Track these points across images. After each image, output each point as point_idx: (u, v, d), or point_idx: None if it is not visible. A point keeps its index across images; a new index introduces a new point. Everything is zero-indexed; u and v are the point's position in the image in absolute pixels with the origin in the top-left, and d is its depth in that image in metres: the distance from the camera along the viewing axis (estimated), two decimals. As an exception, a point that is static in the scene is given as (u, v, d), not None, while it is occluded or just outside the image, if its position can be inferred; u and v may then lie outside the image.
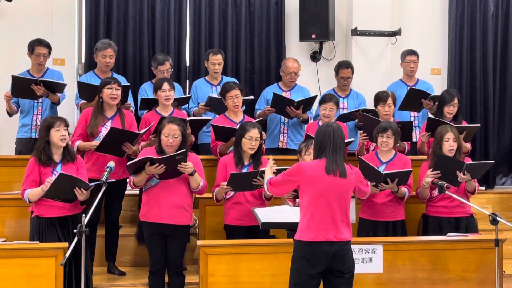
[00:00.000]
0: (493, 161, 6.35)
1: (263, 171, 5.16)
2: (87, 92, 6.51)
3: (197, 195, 5.60)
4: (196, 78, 7.71)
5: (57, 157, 5.28)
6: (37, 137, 6.49)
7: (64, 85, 6.58)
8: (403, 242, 5.53)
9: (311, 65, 8.27)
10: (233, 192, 5.58)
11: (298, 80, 7.37)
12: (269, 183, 4.58)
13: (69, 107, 7.31)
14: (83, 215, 4.68)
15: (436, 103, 6.82)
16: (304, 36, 8.10)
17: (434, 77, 8.27)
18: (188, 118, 6.32)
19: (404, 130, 6.13)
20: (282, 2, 8.18)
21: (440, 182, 5.64)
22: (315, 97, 7.02)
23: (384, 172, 5.63)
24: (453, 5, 8.36)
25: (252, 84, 8.08)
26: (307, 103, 6.93)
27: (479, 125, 7.05)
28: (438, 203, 5.88)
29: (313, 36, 8.06)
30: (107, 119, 5.86)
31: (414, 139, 6.97)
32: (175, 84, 6.89)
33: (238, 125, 5.93)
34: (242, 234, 5.50)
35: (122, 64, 7.71)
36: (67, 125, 5.30)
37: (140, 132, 5.81)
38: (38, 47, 6.67)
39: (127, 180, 5.67)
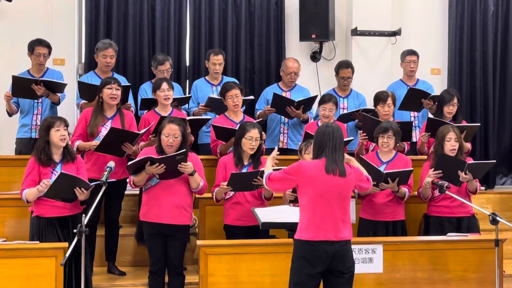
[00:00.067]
0: (494, 161, 6.35)
1: (263, 171, 5.16)
2: (87, 92, 6.51)
3: (197, 195, 5.60)
4: (196, 78, 7.71)
5: (57, 157, 5.28)
6: (37, 137, 6.48)
7: (64, 85, 6.58)
8: (403, 242, 5.53)
9: (311, 65, 8.27)
10: (232, 192, 5.58)
11: (298, 80, 7.37)
12: (268, 178, 4.58)
13: (69, 107, 7.32)
14: (83, 215, 4.68)
15: (436, 103, 6.82)
16: (304, 36, 8.10)
17: (434, 77, 8.27)
18: (188, 118, 6.32)
19: (403, 130, 6.13)
20: (282, 2, 8.18)
21: (440, 182, 5.65)
22: (315, 97, 7.02)
23: (385, 172, 5.63)
24: (453, 5, 8.36)
25: (252, 84, 8.08)
26: (307, 103, 6.93)
27: (479, 124, 7.05)
28: (440, 203, 5.88)
29: (313, 36, 8.06)
30: (107, 119, 5.86)
31: (414, 139, 6.97)
32: (175, 84, 6.90)
33: (238, 125, 5.93)
34: (242, 234, 5.50)
35: (122, 64, 7.71)
36: (67, 125, 5.30)
37: (140, 132, 5.80)
38: (38, 47, 6.68)
39: (127, 180, 5.67)
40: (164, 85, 6.22)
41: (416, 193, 6.04)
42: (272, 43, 8.13)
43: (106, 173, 5.12)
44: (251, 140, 5.56)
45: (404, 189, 5.80)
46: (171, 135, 5.27)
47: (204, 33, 7.97)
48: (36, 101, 6.68)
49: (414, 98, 6.98)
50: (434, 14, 8.53)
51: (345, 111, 7.22)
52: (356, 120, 7.13)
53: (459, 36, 8.37)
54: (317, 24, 8.01)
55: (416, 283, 5.36)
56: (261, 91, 7.54)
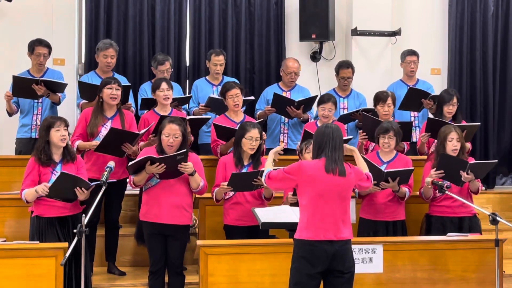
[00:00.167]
0: (496, 161, 6.34)
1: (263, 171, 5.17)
2: (87, 92, 6.51)
3: (197, 195, 5.60)
4: (196, 78, 7.71)
5: (57, 157, 5.28)
6: (37, 137, 6.48)
7: (65, 85, 6.58)
8: (403, 242, 5.53)
9: (311, 65, 8.27)
10: (232, 192, 5.58)
11: (298, 80, 7.38)
12: (267, 176, 4.58)
13: (69, 107, 7.32)
14: (83, 215, 4.68)
15: (436, 103, 6.81)
16: (304, 36, 8.10)
17: (434, 77, 8.27)
18: (188, 117, 6.32)
19: (403, 130, 6.13)
20: (282, 2, 8.18)
21: (440, 182, 5.65)
22: (315, 97, 7.02)
23: (385, 171, 5.63)
24: (453, 5, 8.36)
25: (252, 84, 8.08)
26: (308, 103, 6.93)
27: (479, 124, 7.05)
28: (442, 203, 5.88)
29: (313, 36, 8.06)
30: (107, 119, 5.86)
31: (414, 139, 6.97)
32: (175, 84, 6.90)
33: (239, 125, 5.93)
34: (242, 234, 5.50)
35: (122, 64, 7.71)
36: (67, 125, 5.30)
37: (140, 133, 5.80)
38: (38, 47, 6.68)
39: (127, 180, 5.67)
40: (164, 85, 6.22)
41: (417, 193, 6.04)
42: (272, 43, 8.13)
43: (106, 173, 5.12)
44: (251, 140, 5.56)
45: (405, 189, 5.80)
46: (172, 135, 5.27)
47: (204, 33, 7.97)
48: (36, 101, 6.68)
49: (414, 98, 6.98)
50: (434, 14, 8.53)
51: (345, 111, 7.22)
52: (357, 120, 7.13)
53: (459, 36, 8.37)
54: (317, 24, 8.01)
55: (416, 283, 5.36)
56: (261, 91, 7.54)
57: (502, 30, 8.47)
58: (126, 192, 6.18)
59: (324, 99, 6.57)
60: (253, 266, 5.15)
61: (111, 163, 5.26)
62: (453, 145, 5.83)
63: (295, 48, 8.22)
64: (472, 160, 5.89)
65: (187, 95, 7.22)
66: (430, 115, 6.95)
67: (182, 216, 5.32)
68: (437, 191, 5.83)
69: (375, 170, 5.59)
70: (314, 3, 8.01)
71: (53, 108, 6.79)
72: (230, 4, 8.04)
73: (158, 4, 7.86)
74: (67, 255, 4.56)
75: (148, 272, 5.40)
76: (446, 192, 5.62)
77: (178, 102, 6.64)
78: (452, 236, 5.55)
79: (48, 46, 6.74)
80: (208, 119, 6.58)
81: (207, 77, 7.35)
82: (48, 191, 5.04)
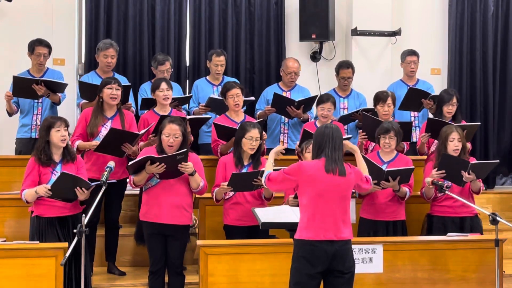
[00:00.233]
0: (498, 161, 6.33)
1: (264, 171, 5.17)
2: (88, 92, 6.51)
3: (197, 195, 5.60)
4: (196, 78, 7.71)
5: (57, 157, 5.28)
6: (37, 137, 6.48)
7: (65, 85, 6.58)
8: (403, 242, 5.53)
9: (311, 65, 8.27)
10: (232, 192, 5.58)
11: (298, 80, 7.38)
12: (267, 178, 4.59)
13: (69, 107, 7.32)
14: (83, 215, 4.69)
15: (435, 103, 6.81)
16: (304, 36, 8.10)
17: (434, 77, 8.27)
18: (188, 117, 6.32)
19: (403, 130, 6.13)
20: (282, 2, 8.18)
21: (440, 182, 5.66)
22: (315, 97, 7.00)
23: (386, 169, 5.64)
24: (453, 5, 8.36)
25: (252, 84, 8.08)
26: (308, 103, 6.93)
27: (479, 123, 7.05)
28: (443, 202, 5.88)
29: (313, 36, 8.06)
30: (107, 119, 5.86)
31: (414, 139, 6.97)
32: (175, 84, 6.90)
33: (239, 125, 5.92)
34: (242, 234, 5.50)
35: (122, 64, 7.71)
36: (67, 125, 5.30)
37: (140, 133, 5.80)
38: (38, 47, 6.68)
39: (127, 180, 5.67)
40: (163, 85, 6.22)
41: (418, 193, 6.05)
42: (272, 43, 8.13)
43: (106, 173, 5.12)
44: (251, 140, 5.56)
45: (405, 188, 5.80)
46: (172, 135, 5.27)
47: (204, 33, 7.97)
48: (36, 101, 6.68)
49: (414, 98, 6.98)
50: (434, 14, 8.53)
51: (346, 111, 7.22)
52: (357, 120, 7.13)
53: (459, 36, 8.37)
54: (317, 24, 8.01)
55: (416, 283, 5.36)
56: (261, 91, 7.54)
57: (502, 30, 8.47)
58: (126, 192, 6.18)
59: (323, 99, 6.57)
60: (253, 266, 5.15)
61: (111, 163, 5.26)
62: (454, 145, 5.83)
63: (295, 48, 8.21)
64: (473, 160, 5.89)
65: (187, 95, 7.22)
66: (430, 115, 6.95)
67: (182, 216, 5.32)
68: (437, 191, 5.84)
69: (376, 169, 5.60)
70: (314, 3, 8.01)
71: (53, 108, 6.79)
72: (230, 4, 8.04)
73: (158, 4, 7.85)
74: (67, 255, 4.56)
75: (148, 272, 5.40)
76: (446, 192, 5.62)
77: (178, 102, 6.64)
78: (452, 236, 5.56)
79: (48, 46, 6.74)
80: (208, 118, 6.58)
81: (207, 77, 7.35)
82: (50, 193, 5.04)
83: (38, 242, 5.10)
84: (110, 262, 6.07)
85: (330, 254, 4.32)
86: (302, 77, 7.58)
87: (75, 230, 4.58)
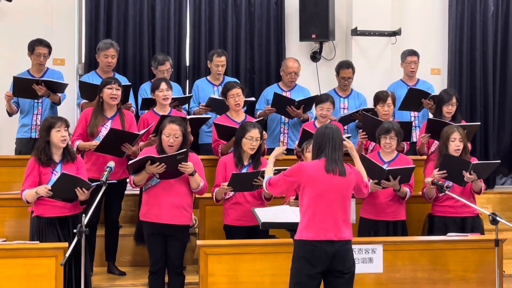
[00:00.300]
0: (499, 161, 6.32)
1: (264, 172, 5.17)
2: (88, 91, 6.51)
3: (197, 195, 5.60)
4: (196, 78, 7.71)
5: (57, 157, 5.28)
6: (37, 137, 6.49)
7: (65, 85, 6.58)
8: (403, 242, 5.53)
9: (311, 65, 8.26)
10: (232, 192, 5.58)
11: (298, 80, 7.38)
12: (268, 183, 4.59)
13: (69, 107, 7.32)
14: (83, 215, 4.68)
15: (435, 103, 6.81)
16: (304, 36, 8.10)
17: (434, 77, 8.27)
18: (189, 117, 6.32)
19: (403, 130, 6.13)
20: (282, 2, 8.18)
21: (440, 182, 5.66)
22: (315, 96, 7.01)
23: (387, 168, 5.64)
24: (453, 5, 8.36)
25: (252, 84, 8.08)
26: (308, 102, 6.93)
27: (479, 123, 7.06)
28: (444, 202, 5.88)
29: (313, 36, 8.05)
30: (107, 119, 5.86)
31: (414, 139, 6.97)
32: (175, 84, 6.90)
33: (239, 125, 5.92)
34: (242, 234, 5.50)
35: (122, 64, 7.70)
36: (67, 126, 5.30)
37: (140, 133, 5.80)
38: (38, 47, 6.67)
39: (127, 180, 5.67)
40: (163, 85, 6.22)
41: (419, 193, 6.05)
42: (272, 43, 8.13)
43: (106, 173, 5.12)
44: (251, 140, 5.56)
45: (406, 188, 5.80)
46: (172, 135, 5.27)
47: (204, 33, 7.97)
48: (36, 101, 6.68)
49: (414, 98, 6.97)
50: (434, 14, 8.53)
51: (346, 111, 7.22)
52: (357, 121, 7.13)
53: (459, 36, 8.37)
54: (317, 24, 8.01)
55: (416, 283, 5.36)
56: (261, 91, 7.54)
57: (502, 30, 8.46)
58: (126, 192, 6.18)
59: (322, 98, 6.57)
60: (253, 266, 5.15)
61: (111, 163, 5.26)
62: (455, 145, 5.83)
63: (295, 48, 8.21)
64: (475, 160, 5.89)
65: (187, 95, 7.22)
66: (430, 115, 6.95)
67: (182, 216, 5.32)
68: (438, 191, 5.84)
69: (377, 168, 5.61)
70: (314, 3, 8.01)
71: (53, 108, 6.79)
72: (230, 4, 8.04)
73: (158, 4, 7.85)
74: (67, 255, 4.56)
75: (148, 272, 5.40)
76: (447, 192, 5.62)
77: (178, 102, 6.64)
78: (452, 236, 5.56)
79: (48, 46, 6.74)
80: (208, 118, 6.58)
81: (208, 77, 7.35)
82: (51, 193, 5.04)
83: (38, 242, 5.10)
84: (110, 262, 6.07)
85: (330, 254, 4.32)
86: (302, 77, 7.59)
87: (75, 230, 4.58)
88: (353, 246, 4.52)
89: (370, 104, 7.05)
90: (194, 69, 7.94)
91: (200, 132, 7.00)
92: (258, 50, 8.12)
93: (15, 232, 5.82)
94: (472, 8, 8.38)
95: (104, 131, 5.75)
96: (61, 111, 6.84)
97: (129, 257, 6.33)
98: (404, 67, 7.52)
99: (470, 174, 5.67)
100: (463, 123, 6.60)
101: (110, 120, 5.86)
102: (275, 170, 4.89)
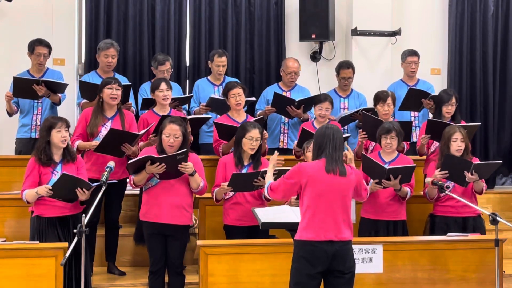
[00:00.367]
0: (500, 161, 6.32)
1: (264, 172, 5.17)
2: (88, 91, 6.51)
3: (197, 195, 5.60)
4: (196, 78, 7.71)
5: (57, 157, 5.28)
6: (37, 137, 6.50)
7: (65, 85, 6.58)
8: (403, 242, 5.53)
9: (311, 65, 8.26)
10: (232, 192, 5.58)
11: (298, 80, 7.38)
12: (269, 189, 4.58)
13: (69, 107, 7.31)
14: (83, 215, 4.68)
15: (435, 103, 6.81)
16: (304, 36, 8.10)
17: (434, 77, 8.27)
18: (189, 117, 6.32)
19: (403, 130, 6.13)
20: (282, 2, 8.18)
21: (440, 182, 5.65)
22: (315, 96, 7.01)
23: (388, 168, 5.64)
24: (453, 5, 8.36)
25: (252, 84, 8.08)
26: (308, 102, 6.93)
27: (479, 123, 7.05)
28: (446, 203, 5.88)
29: (313, 36, 8.05)
30: (107, 119, 5.86)
31: (414, 139, 6.97)
32: (175, 84, 6.90)
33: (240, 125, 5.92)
34: (242, 234, 5.50)
35: (122, 64, 7.70)
36: (68, 126, 5.30)
37: (140, 133, 5.80)
38: (38, 46, 6.68)
39: (127, 180, 5.67)
40: (163, 85, 6.22)
41: (421, 193, 6.05)
42: (272, 43, 8.13)
43: (106, 173, 5.11)
44: (251, 140, 5.57)
45: (406, 188, 5.81)
46: (172, 135, 5.27)
47: (204, 33, 7.96)
48: (36, 101, 6.67)
49: (414, 98, 6.97)
50: (434, 14, 8.53)
51: (346, 111, 7.22)
52: (357, 120, 7.13)
53: (459, 36, 8.37)
54: (317, 24, 8.01)
55: (416, 283, 5.36)
56: (261, 91, 7.55)
57: (502, 30, 8.47)
58: (126, 192, 6.18)
59: (321, 98, 6.58)
60: (253, 266, 5.15)
61: (111, 163, 5.26)
62: (457, 145, 5.83)
63: (295, 48, 8.21)
64: (476, 161, 5.89)
65: (188, 95, 7.22)
66: (431, 115, 6.95)
67: (182, 216, 5.32)
68: (438, 191, 5.84)
69: (377, 168, 5.61)
70: (314, 3, 8.01)
71: (53, 108, 6.79)
72: (230, 4, 8.04)
73: (158, 4, 7.85)
74: (67, 255, 4.56)
75: (148, 272, 5.40)
76: (447, 192, 5.62)
77: (178, 102, 6.64)
78: (452, 236, 5.56)
79: (48, 46, 6.74)
80: (209, 118, 6.58)
81: (208, 77, 7.35)
82: (51, 193, 5.04)
83: (38, 242, 5.10)
84: (110, 262, 6.07)
85: (330, 254, 4.32)
86: (302, 77, 7.59)
87: (75, 230, 4.58)
88: (353, 246, 4.52)
89: (370, 104, 7.05)
90: (194, 69, 7.94)
91: (201, 132, 7.00)
92: (258, 50, 8.12)
93: (15, 232, 5.82)
94: (472, 8, 8.38)
95: (104, 131, 5.75)
96: (61, 111, 6.84)
97: (129, 257, 6.33)
98: (404, 67, 7.52)
99: (471, 174, 5.67)
100: (463, 123, 6.60)
101: (110, 120, 5.86)
102: (275, 171, 4.89)
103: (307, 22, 8.04)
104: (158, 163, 5.16)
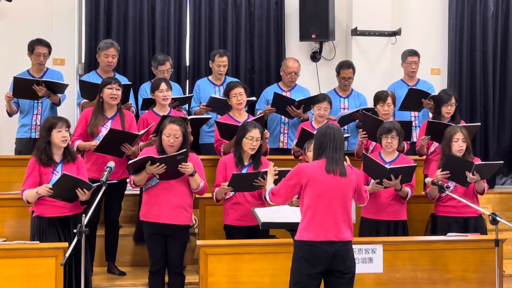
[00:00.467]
0: (502, 162, 6.31)
1: (265, 172, 5.18)
2: (88, 91, 6.51)
3: (197, 195, 5.59)
4: (196, 78, 7.71)
5: (57, 157, 5.27)
6: (36, 137, 6.50)
7: (65, 86, 6.58)
8: (403, 242, 5.53)
9: (311, 65, 8.26)
10: (232, 192, 5.58)
11: (298, 80, 7.38)
12: (271, 193, 4.57)
13: (69, 107, 7.31)
14: (83, 215, 4.68)
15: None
16: (304, 36, 8.10)
17: (434, 77, 8.27)
18: (189, 117, 6.33)
19: (403, 130, 6.13)
20: (282, 2, 8.18)
21: (440, 183, 5.65)
22: (315, 96, 7.01)
23: (389, 167, 5.63)
24: (453, 5, 8.36)
25: (252, 84, 8.07)
26: (308, 102, 6.93)
27: (479, 124, 7.05)
28: (447, 203, 5.87)
29: (313, 36, 8.05)
30: (107, 119, 5.86)
31: (414, 139, 6.97)
32: (174, 84, 6.90)
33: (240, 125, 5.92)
34: (242, 234, 5.50)
35: (122, 64, 7.70)
36: (68, 126, 5.30)
37: (140, 133, 5.80)
38: (38, 46, 6.67)
39: (127, 180, 5.67)
40: (163, 86, 6.22)
41: (423, 193, 6.04)
42: (272, 43, 8.13)
43: (106, 173, 5.11)
44: (251, 140, 5.57)
45: (407, 188, 5.81)
46: (172, 135, 5.27)
47: (204, 33, 7.96)
48: (36, 101, 6.67)
49: (414, 98, 6.97)
50: (434, 14, 8.53)
51: (346, 111, 7.21)
52: (357, 120, 7.13)
53: (459, 36, 8.37)
54: (317, 24, 8.01)
55: (416, 283, 5.36)
56: (261, 91, 7.54)
57: (502, 30, 8.47)
58: (126, 192, 6.17)
59: (320, 98, 6.59)
60: (253, 266, 5.15)
61: (111, 163, 5.26)
62: (458, 145, 5.83)
63: (295, 48, 8.21)
64: (478, 161, 5.88)
65: (188, 95, 7.22)
66: (431, 115, 6.95)
67: (182, 216, 5.32)
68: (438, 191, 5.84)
69: (378, 167, 5.61)
70: (314, 3, 8.01)
71: (53, 108, 6.79)
72: (230, 4, 8.04)
73: (158, 4, 7.85)
74: (67, 255, 4.55)
75: (148, 272, 5.40)
76: (447, 192, 5.62)
77: (178, 102, 6.64)
78: (452, 236, 5.56)
79: (48, 45, 6.74)
80: (209, 118, 6.58)
81: (209, 77, 7.35)
82: (52, 192, 5.04)
83: (38, 242, 5.09)
84: (110, 262, 6.07)
85: (330, 255, 4.32)
86: (302, 77, 7.59)
87: (75, 230, 4.58)
88: (353, 246, 4.51)
89: (370, 104, 7.05)
90: (194, 69, 7.94)
91: (201, 132, 7.00)
92: (258, 50, 8.12)
93: (15, 232, 5.82)
94: (472, 8, 8.38)
95: (104, 131, 5.74)
96: (61, 111, 6.83)
97: (129, 257, 6.32)
98: (404, 67, 7.52)
99: (473, 174, 5.67)
100: (462, 123, 6.60)
101: (110, 120, 5.86)
102: (275, 171, 4.90)
103: (307, 22, 8.04)
104: (158, 164, 5.16)
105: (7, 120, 6.99)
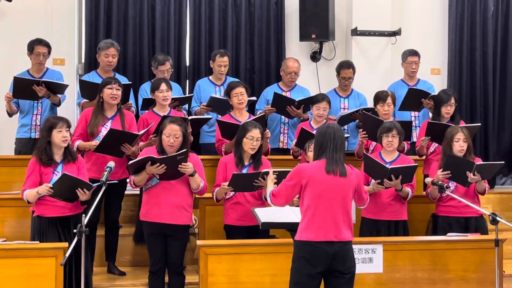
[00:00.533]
0: (503, 162, 6.31)
1: (265, 172, 5.18)
2: (88, 90, 6.50)
3: (197, 195, 5.60)
4: (196, 78, 7.71)
5: (58, 157, 5.27)
6: (36, 137, 6.51)
7: (65, 86, 6.57)
8: (403, 242, 5.53)
9: (311, 65, 8.26)
10: (233, 192, 5.58)
11: (298, 80, 7.38)
12: (271, 195, 4.57)
13: (69, 107, 7.31)
14: (83, 215, 4.68)
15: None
16: (304, 36, 8.10)
17: (434, 77, 8.27)
18: (190, 117, 6.33)
19: (403, 130, 6.13)
20: (282, 2, 8.18)
21: (440, 183, 5.65)
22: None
23: (390, 167, 5.63)
24: (453, 5, 8.36)
25: (252, 84, 8.07)
26: (308, 102, 6.93)
27: (479, 124, 7.05)
28: (448, 203, 5.87)
29: (313, 36, 8.05)
30: (107, 119, 5.86)
31: (414, 139, 6.97)
32: (174, 84, 6.90)
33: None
34: (242, 234, 5.50)
35: (122, 64, 7.70)
36: (69, 126, 5.30)
37: (140, 133, 5.80)
38: (38, 46, 6.67)
39: (127, 180, 5.67)
40: (163, 86, 6.22)
41: (424, 193, 6.04)
42: (272, 43, 8.13)
43: (106, 173, 5.11)
44: (252, 140, 5.57)
45: (407, 188, 5.81)
46: (172, 135, 5.27)
47: (204, 33, 7.96)
48: (36, 101, 6.67)
49: (414, 98, 6.97)
50: (434, 14, 8.53)
51: (346, 111, 7.21)
52: (357, 120, 7.13)
53: (459, 36, 8.37)
54: (317, 24, 8.01)
55: (416, 283, 5.36)
56: (261, 91, 7.54)
57: (502, 30, 8.47)
58: (126, 192, 6.17)
59: (318, 98, 6.59)
60: (253, 266, 5.15)
61: (111, 163, 5.26)
62: (459, 145, 5.83)
63: (295, 48, 8.21)
64: (479, 161, 5.88)
65: (188, 95, 7.21)
66: (431, 115, 6.95)
67: (182, 216, 5.32)
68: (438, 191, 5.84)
69: (379, 167, 5.61)
70: (314, 3, 8.01)
71: (53, 108, 6.79)
72: (230, 4, 8.04)
73: (158, 4, 7.85)
74: (67, 255, 4.55)
75: (148, 272, 5.40)
76: (447, 192, 5.62)
77: (178, 102, 6.64)
78: (452, 236, 5.56)
79: (47, 45, 6.74)
80: (209, 119, 6.58)
81: (210, 77, 7.35)
82: (52, 191, 5.04)
83: (38, 242, 5.10)
84: (110, 262, 6.07)
85: (330, 255, 4.32)
86: (302, 77, 7.58)
87: (75, 230, 4.58)
88: (353, 246, 4.51)
89: (370, 104, 7.05)
90: (194, 69, 7.94)
91: (201, 132, 7.00)
92: (258, 50, 8.12)
93: (15, 232, 5.82)
94: (472, 8, 8.38)
95: (104, 131, 5.74)
96: (61, 111, 6.83)
97: (129, 257, 6.33)
98: (404, 67, 7.52)
99: (474, 174, 5.67)
100: (462, 123, 6.60)
101: (110, 120, 5.86)
102: (275, 172, 4.89)
103: (307, 22, 8.04)
104: (158, 164, 5.16)
105: (7, 120, 6.99)
